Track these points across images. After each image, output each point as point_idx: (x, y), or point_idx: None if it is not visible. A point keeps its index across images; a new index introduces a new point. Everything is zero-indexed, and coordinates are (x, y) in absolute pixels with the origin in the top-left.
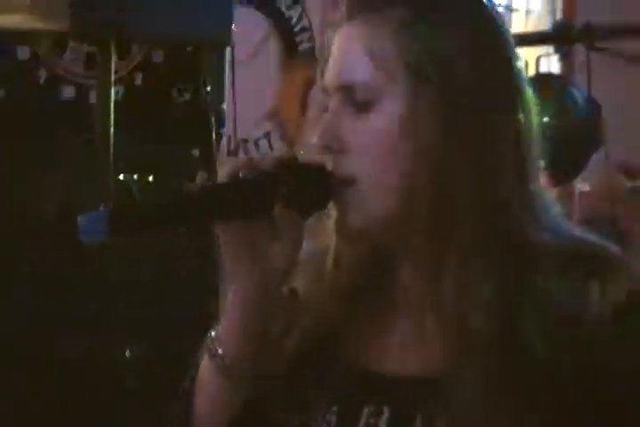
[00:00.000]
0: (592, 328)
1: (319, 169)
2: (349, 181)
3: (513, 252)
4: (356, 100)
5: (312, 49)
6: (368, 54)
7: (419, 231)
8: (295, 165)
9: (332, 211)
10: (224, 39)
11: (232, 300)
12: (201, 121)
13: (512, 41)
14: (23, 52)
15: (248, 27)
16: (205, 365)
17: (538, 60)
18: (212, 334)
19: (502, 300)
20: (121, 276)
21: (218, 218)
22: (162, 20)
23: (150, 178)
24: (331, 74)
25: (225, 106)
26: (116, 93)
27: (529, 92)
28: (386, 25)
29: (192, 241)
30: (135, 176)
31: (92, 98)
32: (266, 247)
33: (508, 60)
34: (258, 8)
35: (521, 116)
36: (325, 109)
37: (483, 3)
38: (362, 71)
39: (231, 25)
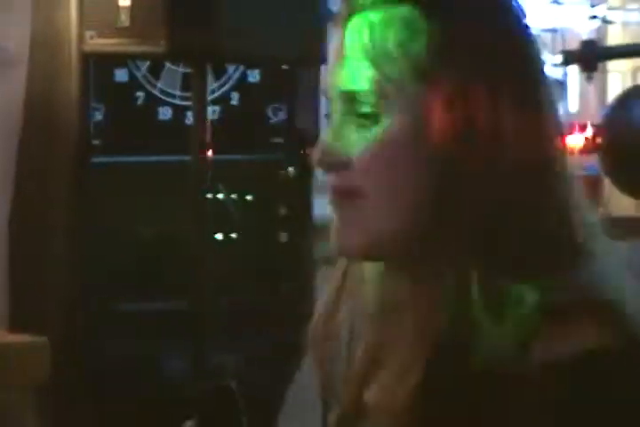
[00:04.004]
0: None
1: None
2: (354, 195)
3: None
4: (359, 111)
5: None
6: (369, 58)
7: (420, 247)
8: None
9: (331, 228)
10: (318, 57)
11: None
12: (295, 140)
13: (535, 43)
14: (121, 75)
15: None
16: None
17: (635, 73)
18: None
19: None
20: None
21: None
22: (257, 40)
23: (249, 197)
24: (331, 78)
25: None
26: (213, 113)
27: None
28: (389, 24)
29: None
30: (234, 196)
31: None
32: None
33: (527, 62)
34: None
35: (548, 122)
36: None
37: (501, 3)
38: (363, 78)
39: (326, 42)
